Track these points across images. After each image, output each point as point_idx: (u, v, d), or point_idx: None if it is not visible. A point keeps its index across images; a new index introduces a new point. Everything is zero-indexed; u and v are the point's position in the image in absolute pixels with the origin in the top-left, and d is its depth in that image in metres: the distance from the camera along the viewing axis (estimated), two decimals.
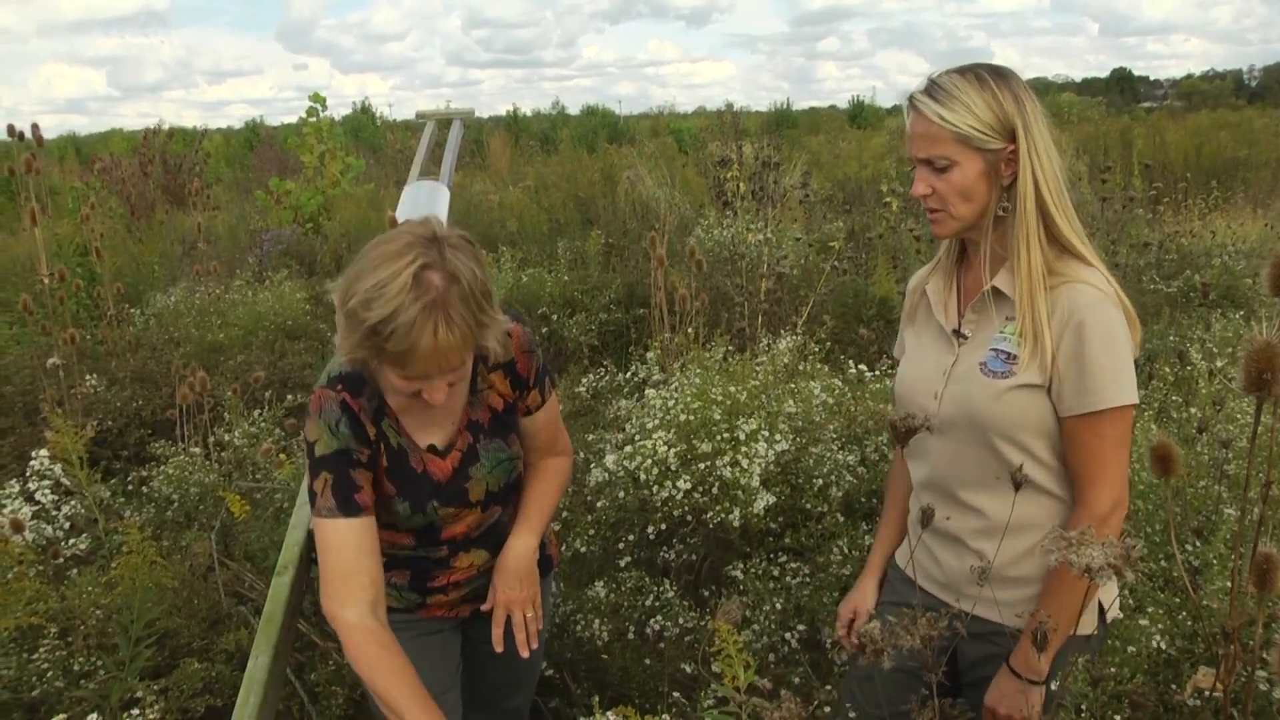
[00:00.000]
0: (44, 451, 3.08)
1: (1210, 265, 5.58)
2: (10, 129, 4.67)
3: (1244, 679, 1.51)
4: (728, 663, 1.25)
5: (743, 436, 2.63)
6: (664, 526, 2.76)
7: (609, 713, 1.38)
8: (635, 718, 1.36)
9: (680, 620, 2.66)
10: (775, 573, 2.73)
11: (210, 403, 3.60)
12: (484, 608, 1.85)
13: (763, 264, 4.65)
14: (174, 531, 3.07)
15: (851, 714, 1.80)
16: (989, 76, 1.50)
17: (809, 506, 2.78)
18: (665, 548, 2.97)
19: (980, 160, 1.49)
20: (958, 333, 1.62)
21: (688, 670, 2.52)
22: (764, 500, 2.59)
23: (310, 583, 2.16)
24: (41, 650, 2.33)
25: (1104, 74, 60.62)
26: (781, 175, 5.64)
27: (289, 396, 3.99)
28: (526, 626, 1.84)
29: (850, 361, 3.42)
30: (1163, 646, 2.05)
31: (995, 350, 1.53)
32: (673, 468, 2.62)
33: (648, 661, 2.58)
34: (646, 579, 2.81)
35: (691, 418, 2.69)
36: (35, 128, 4.66)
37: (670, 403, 2.76)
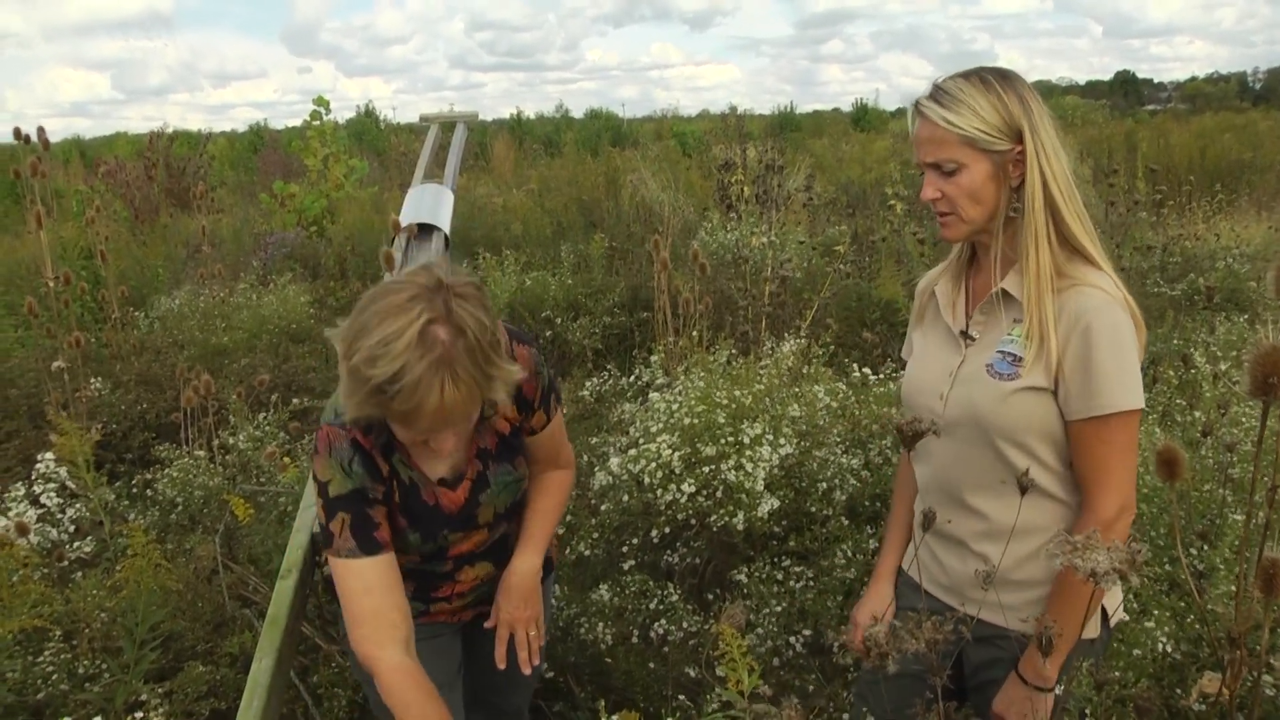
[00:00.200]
0: (49, 454, 3.09)
1: (1214, 268, 5.57)
2: (16, 132, 4.68)
3: (1250, 684, 1.51)
4: (732, 667, 1.25)
5: (747, 440, 2.63)
6: (668, 530, 2.76)
7: (613, 717, 1.38)
8: None
9: (684, 624, 2.66)
10: (779, 576, 2.73)
11: (215, 406, 3.60)
12: (487, 625, 1.87)
13: (766, 267, 4.65)
14: (178, 535, 3.07)
15: (867, 717, 1.80)
16: (994, 79, 1.50)
17: (813, 510, 2.78)
18: (669, 551, 2.97)
19: (988, 162, 1.49)
20: (965, 334, 1.62)
21: (692, 674, 2.52)
22: (768, 504, 2.59)
23: (314, 586, 2.17)
24: (46, 653, 2.33)
25: (1108, 77, 60.63)
26: (785, 178, 5.65)
27: (294, 400, 4.00)
28: (529, 644, 1.85)
29: (854, 365, 3.42)
30: (1168, 651, 2.05)
31: (1002, 352, 1.53)
32: (677, 471, 2.62)
33: (652, 665, 2.58)
34: (650, 582, 2.81)
35: (696, 421, 2.69)
36: (41, 131, 4.68)
37: (674, 406, 2.76)
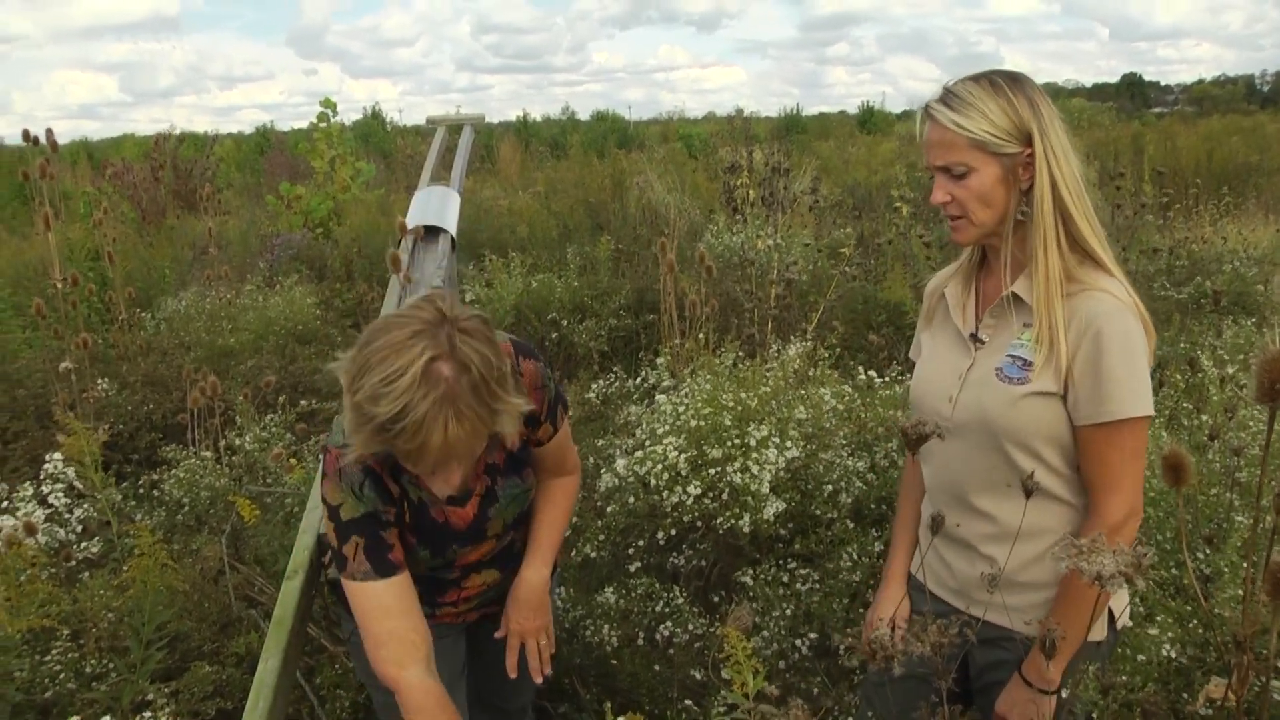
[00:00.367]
0: (57, 455, 3.10)
1: (1221, 271, 5.55)
2: (25, 134, 4.70)
3: (1257, 689, 1.50)
4: (737, 669, 1.25)
5: (753, 442, 2.63)
6: (674, 532, 2.76)
7: (619, 719, 1.38)
8: None
9: (690, 626, 2.66)
10: (785, 579, 2.73)
11: (221, 407, 3.61)
12: (497, 635, 1.88)
13: (772, 270, 4.65)
14: (185, 535, 3.08)
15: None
16: (1003, 82, 1.50)
17: (819, 513, 2.78)
18: (675, 553, 2.97)
19: (997, 165, 1.49)
20: (975, 337, 1.62)
21: (697, 676, 2.52)
22: (774, 506, 2.59)
23: (319, 587, 2.17)
24: (54, 652, 2.34)
25: (1114, 79, 60.46)
26: (791, 181, 5.65)
27: (300, 401, 4.00)
28: (540, 654, 1.87)
29: (860, 368, 3.42)
30: (1173, 655, 2.04)
31: (1012, 356, 1.53)
32: (683, 473, 2.63)
33: (657, 667, 2.58)
34: (656, 585, 2.81)
35: (702, 423, 2.69)
36: (50, 133, 4.70)
37: (681, 408, 2.76)
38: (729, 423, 2.68)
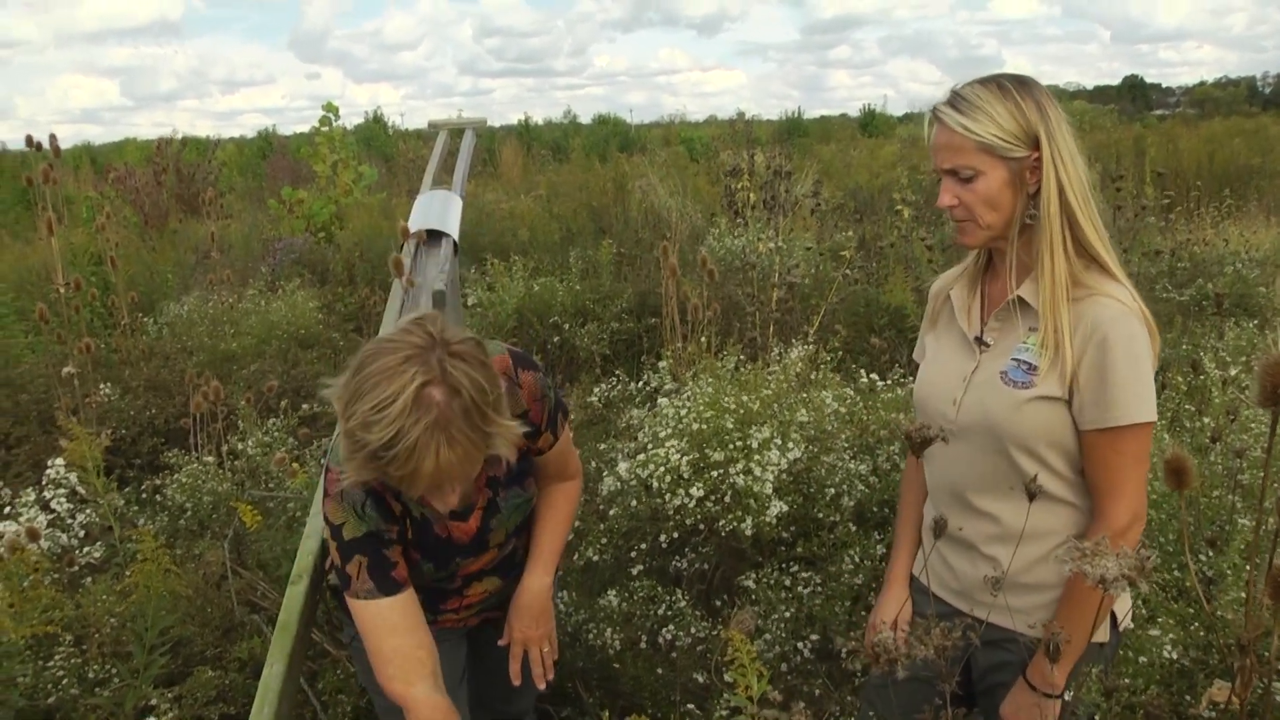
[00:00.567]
0: (59, 460, 3.10)
1: (1223, 274, 5.55)
2: (28, 139, 4.70)
3: (1260, 692, 1.50)
4: (741, 672, 1.25)
5: (755, 445, 2.63)
6: (676, 535, 2.76)
7: None
8: None
9: (692, 629, 2.66)
10: (787, 582, 2.73)
11: (224, 412, 3.61)
12: (501, 642, 1.89)
13: (774, 273, 4.65)
14: (187, 540, 3.08)
15: None
16: (1011, 85, 1.50)
17: (821, 516, 2.78)
18: (677, 557, 2.97)
19: (1004, 169, 1.49)
20: (980, 340, 1.62)
21: (700, 680, 2.52)
22: (776, 509, 2.59)
23: (323, 592, 2.17)
24: (57, 658, 2.34)
25: (1116, 81, 60.47)
26: (793, 184, 5.65)
27: (303, 406, 4.01)
28: (543, 661, 1.89)
29: (862, 371, 3.42)
30: (1174, 657, 2.04)
31: (1017, 360, 1.54)
32: (685, 476, 2.63)
33: (660, 671, 2.58)
34: (659, 588, 2.81)
35: (704, 426, 2.69)
36: (53, 138, 4.70)
37: (683, 411, 2.76)
38: (731, 426, 2.68)
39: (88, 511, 3.07)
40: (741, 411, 2.73)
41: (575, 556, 2.89)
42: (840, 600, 2.62)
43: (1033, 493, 1.32)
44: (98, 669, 2.34)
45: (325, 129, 9.91)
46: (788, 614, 2.62)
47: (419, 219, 3.81)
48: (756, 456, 2.61)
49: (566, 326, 5.71)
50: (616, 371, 4.61)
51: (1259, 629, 1.18)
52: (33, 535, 2.65)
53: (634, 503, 2.83)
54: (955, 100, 1.52)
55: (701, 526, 2.73)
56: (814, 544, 2.76)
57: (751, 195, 6.08)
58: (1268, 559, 1.11)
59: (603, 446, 3.40)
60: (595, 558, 2.88)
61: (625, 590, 2.81)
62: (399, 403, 1.33)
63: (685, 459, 2.63)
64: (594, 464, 3.24)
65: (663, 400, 2.92)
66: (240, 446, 3.45)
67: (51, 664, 2.33)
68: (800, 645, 2.57)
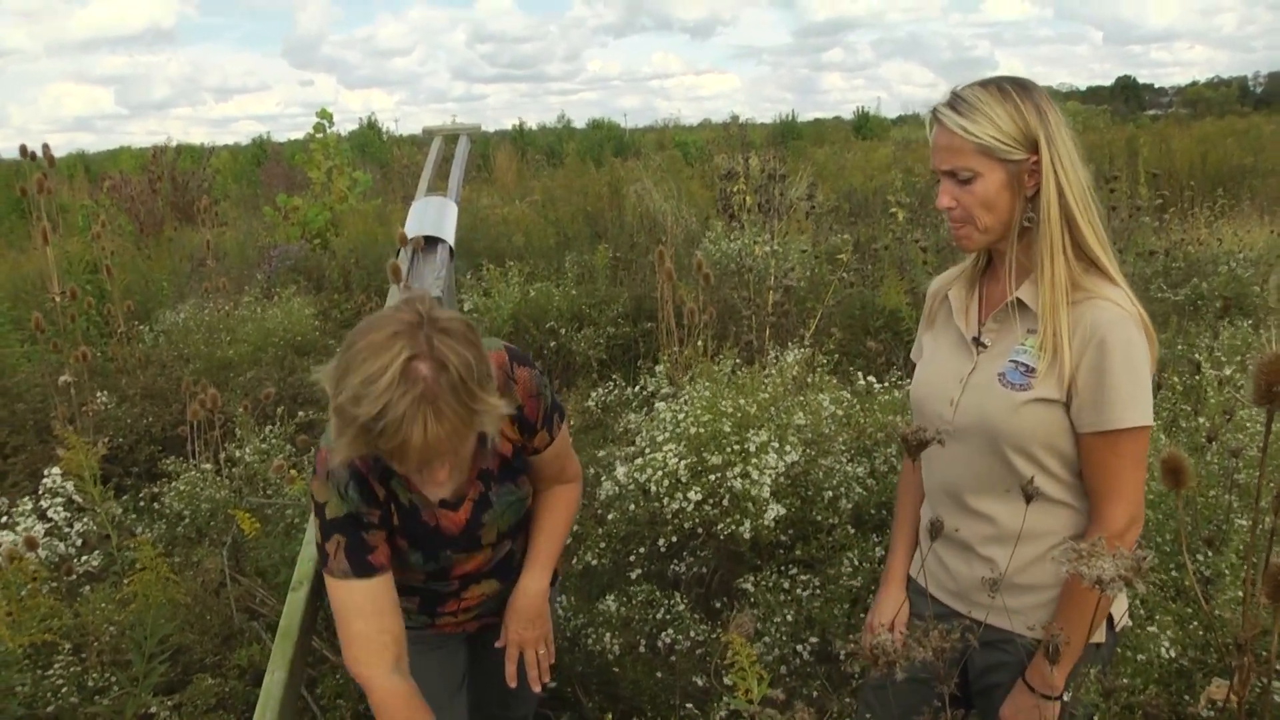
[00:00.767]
0: (56, 469, 3.10)
1: (1217, 273, 5.56)
2: (22, 149, 4.71)
3: (1259, 691, 1.51)
4: (740, 675, 1.25)
5: (753, 448, 2.63)
6: (674, 539, 2.76)
7: None
8: None
9: (691, 633, 2.66)
10: (786, 585, 2.73)
11: (221, 419, 3.61)
12: (497, 644, 1.89)
13: (770, 276, 4.66)
14: (185, 547, 3.08)
15: None
16: (1011, 88, 1.51)
17: (819, 518, 2.78)
18: (676, 560, 2.97)
19: (1002, 171, 1.50)
20: (977, 341, 1.62)
21: (700, 683, 2.52)
22: (774, 512, 2.59)
23: (323, 599, 2.17)
24: (56, 667, 2.34)
25: (1108, 82, 60.63)
26: (787, 187, 5.66)
27: (300, 413, 4.01)
28: (539, 663, 1.88)
29: (859, 373, 3.42)
30: (1173, 656, 2.05)
31: (1015, 362, 1.54)
32: (683, 480, 2.63)
33: (659, 675, 2.58)
34: (657, 592, 2.81)
35: (701, 430, 2.69)
36: (46, 148, 4.70)
37: (680, 415, 2.77)
38: (728, 429, 2.69)
39: (85, 520, 3.07)
40: (739, 415, 2.74)
41: (574, 561, 2.89)
42: (839, 602, 2.62)
43: (1029, 495, 1.33)
44: (97, 677, 2.34)
45: (319, 135, 9.92)
46: (787, 617, 2.63)
47: (415, 225, 3.81)
48: (754, 460, 2.62)
49: (563, 331, 5.71)
50: (613, 376, 4.61)
51: (1257, 628, 1.18)
52: (30, 544, 2.64)
53: (632, 507, 2.83)
54: (955, 101, 1.52)
55: (700, 530, 2.73)
56: (812, 547, 2.77)
57: (747, 198, 6.10)
58: (1265, 558, 1.12)
59: (601, 454, 3.40)
60: (594, 562, 2.88)
61: (624, 594, 2.81)
62: (387, 376, 1.35)
63: (683, 463, 2.64)
64: (592, 470, 3.24)
65: (660, 404, 2.93)
66: (238, 454, 3.45)
67: (50, 673, 2.32)
68: (799, 648, 2.57)
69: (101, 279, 5.68)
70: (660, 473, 2.64)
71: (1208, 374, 3.13)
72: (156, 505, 3.41)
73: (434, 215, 3.90)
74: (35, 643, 2.30)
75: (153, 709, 2.24)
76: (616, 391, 4.18)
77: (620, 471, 2.84)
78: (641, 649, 2.67)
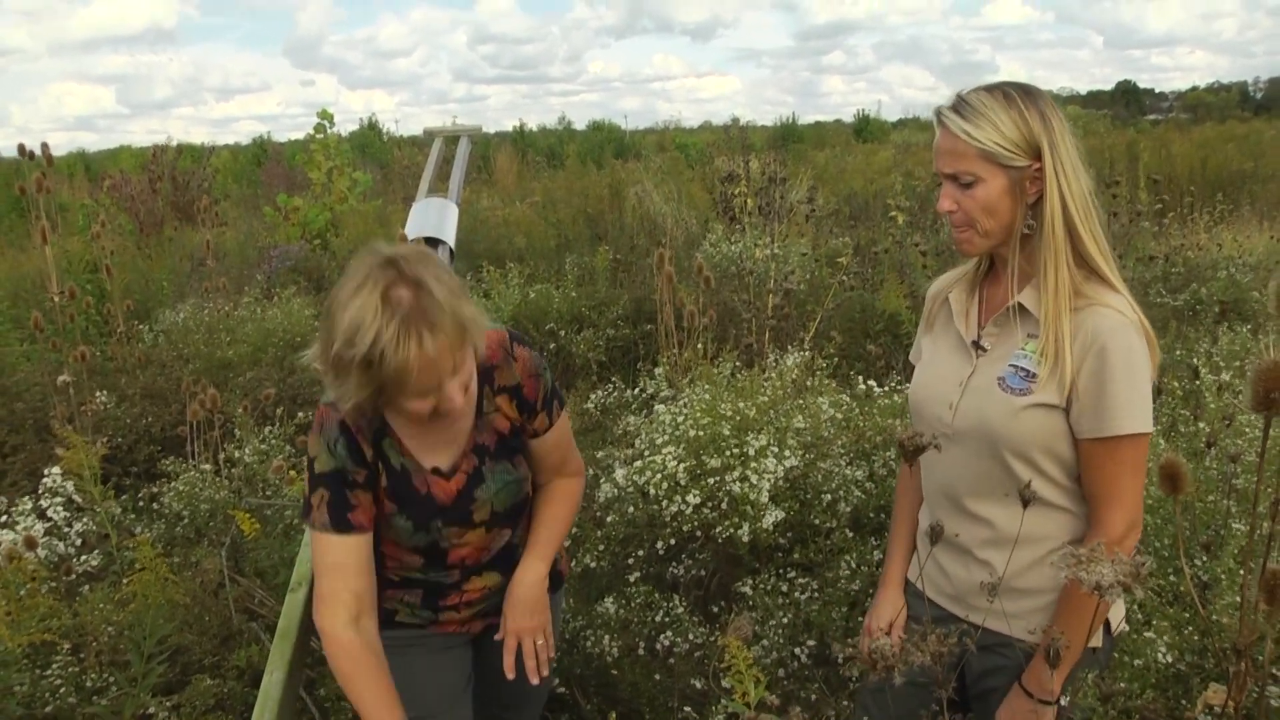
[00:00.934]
0: (56, 468, 3.10)
1: (1216, 278, 5.57)
2: (21, 148, 4.70)
3: (1255, 696, 1.51)
4: (738, 678, 1.25)
5: (752, 452, 2.64)
6: (673, 542, 2.77)
7: None
8: None
9: (690, 636, 2.67)
10: (784, 588, 2.73)
11: (220, 419, 3.61)
12: (497, 637, 1.88)
13: (770, 279, 4.66)
14: (184, 548, 3.08)
15: None
16: (1016, 94, 1.51)
17: (817, 522, 2.79)
18: (674, 563, 2.97)
19: (1004, 177, 1.50)
20: (977, 344, 1.63)
21: (698, 686, 2.53)
22: (773, 515, 2.59)
23: None
24: (54, 667, 2.34)
25: (1109, 87, 60.58)
26: (788, 190, 5.67)
27: (299, 413, 4.01)
28: (537, 655, 1.87)
29: (858, 377, 3.42)
30: (1170, 660, 2.05)
31: (1015, 366, 1.54)
32: (682, 483, 2.63)
33: (658, 677, 2.58)
34: (656, 594, 2.81)
35: (701, 433, 2.70)
36: (45, 147, 4.70)
37: (679, 418, 2.77)
38: (727, 432, 2.69)
39: (85, 520, 3.07)
40: (738, 418, 2.74)
41: (573, 563, 2.89)
42: (837, 606, 2.62)
43: (1027, 499, 1.33)
44: (95, 677, 2.34)
45: (320, 136, 9.93)
46: (785, 620, 2.63)
47: (415, 226, 3.81)
48: (753, 463, 2.62)
49: (563, 333, 5.71)
50: (613, 378, 4.62)
51: (1254, 633, 1.19)
52: (30, 544, 2.65)
53: (631, 509, 2.84)
54: (959, 105, 1.52)
55: (698, 533, 2.73)
56: (811, 550, 2.77)
57: (747, 201, 6.10)
58: (1262, 563, 1.12)
59: (600, 455, 3.40)
60: (593, 564, 2.89)
61: (623, 597, 2.81)
62: (370, 310, 1.41)
63: (682, 466, 2.64)
64: (591, 471, 3.24)
65: (659, 407, 2.93)
66: (237, 454, 3.45)
67: (49, 672, 2.33)
68: (797, 651, 2.57)
69: (101, 278, 5.69)
70: (659, 475, 2.64)
71: (1206, 379, 3.14)
72: (156, 505, 3.41)
73: (434, 216, 3.89)
74: (34, 642, 2.31)
75: (151, 709, 2.24)
76: (616, 394, 4.18)
77: (619, 474, 2.84)
78: (640, 651, 2.67)
